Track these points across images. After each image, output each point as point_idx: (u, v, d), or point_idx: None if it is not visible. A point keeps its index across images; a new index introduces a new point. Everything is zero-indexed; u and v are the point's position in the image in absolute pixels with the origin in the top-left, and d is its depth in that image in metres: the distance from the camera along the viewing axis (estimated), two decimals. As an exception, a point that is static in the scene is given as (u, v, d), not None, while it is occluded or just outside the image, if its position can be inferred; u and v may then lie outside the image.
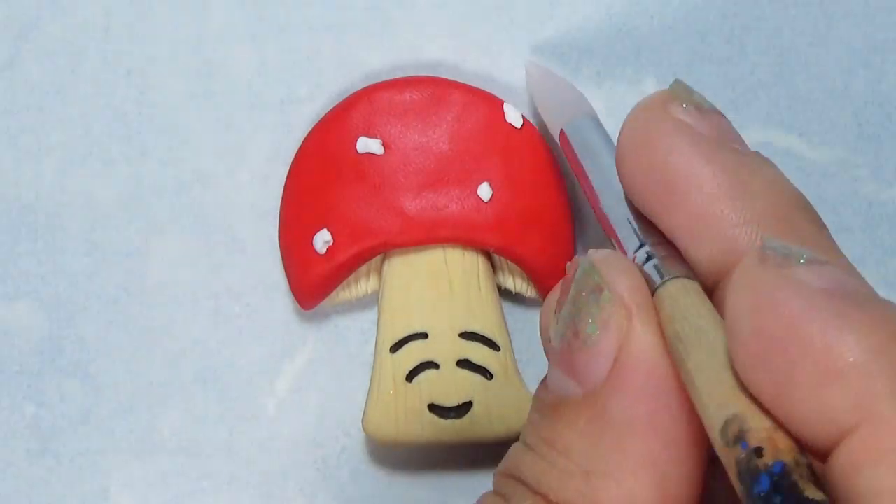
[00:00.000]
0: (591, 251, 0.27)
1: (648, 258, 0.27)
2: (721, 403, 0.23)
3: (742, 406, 0.23)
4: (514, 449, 0.27)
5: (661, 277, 0.26)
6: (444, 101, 0.37)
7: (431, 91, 0.37)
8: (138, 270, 0.38)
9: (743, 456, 0.22)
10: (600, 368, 0.26)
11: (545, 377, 0.27)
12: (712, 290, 0.27)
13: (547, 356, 0.27)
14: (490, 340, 0.36)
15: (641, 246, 0.28)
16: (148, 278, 0.38)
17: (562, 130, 0.34)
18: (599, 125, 0.33)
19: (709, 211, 0.26)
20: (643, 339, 0.25)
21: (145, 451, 0.38)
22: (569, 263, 0.27)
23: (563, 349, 0.26)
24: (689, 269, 0.27)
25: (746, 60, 0.38)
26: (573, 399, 0.26)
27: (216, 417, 0.38)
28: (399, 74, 0.37)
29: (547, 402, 0.27)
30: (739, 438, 0.22)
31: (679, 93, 0.28)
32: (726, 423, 0.23)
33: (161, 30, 0.39)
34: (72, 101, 0.38)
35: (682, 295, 0.26)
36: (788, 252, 0.23)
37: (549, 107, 0.36)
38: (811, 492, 0.21)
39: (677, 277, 0.26)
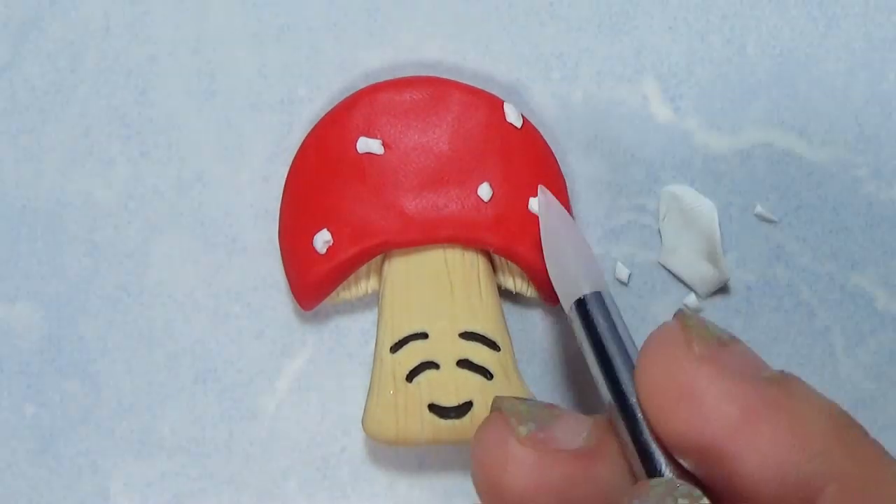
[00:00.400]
0: (679, 482, 0.27)
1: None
2: None
3: None
4: None
5: None
6: (444, 101, 0.37)
7: (431, 91, 0.37)
8: (138, 270, 0.38)
9: None
10: None
11: None
12: None
13: None
14: (490, 340, 0.36)
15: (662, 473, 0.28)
16: (148, 278, 0.38)
17: (572, 306, 0.32)
18: (611, 303, 0.32)
19: (775, 457, 0.26)
20: None
21: (145, 451, 0.38)
22: (651, 482, 0.27)
23: None
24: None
25: (746, 60, 0.38)
26: None
27: (216, 417, 0.38)
28: (399, 74, 0.37)
29: None
30: None
31: (695, 327, 0.28)
32: None
33: (161, 30, 0.38)
34: (72, 101, 0.38)
35: None
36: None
37: (560, 272, 0.34)
38: None
39: None
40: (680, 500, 0.26)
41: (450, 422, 0.35)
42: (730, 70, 0.38)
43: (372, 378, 0.36)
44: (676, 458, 0.28)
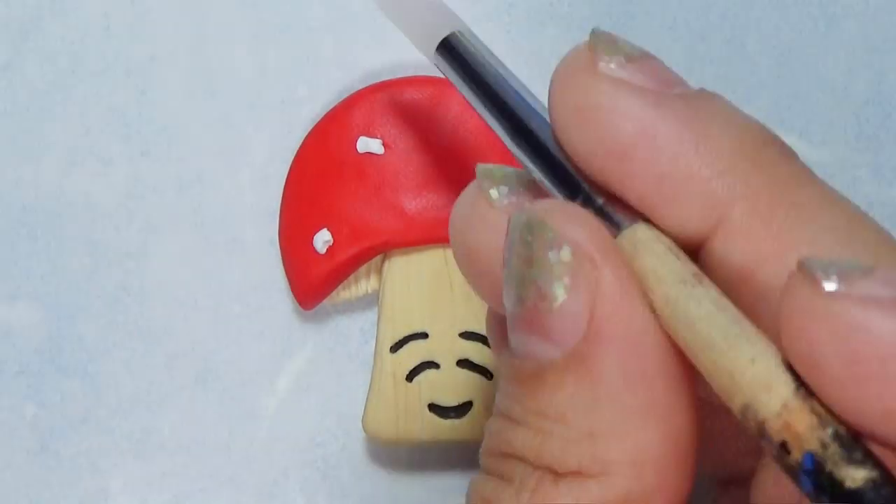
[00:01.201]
0: (527, 204, 0.25)
1: (595, 206, 0.25)
2: (730, 386, 0.22)
3: (749, 392, 0.22)
4: (498, 426, 0.25)
5: (618, 225, 0.25)
6: (444, 101, 0.37)
7: (431, 91, 0.37)
8: (138, 270, 0.38)
9: (775, 454, 0.21)
10: (577, 327, 0.24)
11: (506, 346, 0.25)
12: (696, 251, 0.25)
13: (509, 322, 0.25)
14: (490, 340, 0.36)
15: (582, 194, 0.25)
16: (148, 278, 0.38)
17: (437, 52, 0.30)
18: (476, 38, 0.30)
19: (676, 171, 0.24)
20: (617, 289, 0.24)
21: (145, 451, 0.38)
22: (509, 218, 0.25)
23: (529, 313, 0.24)
24: (641, 215, 0.25)
25: (746, 60, 0.38)
26: (552, 363, 0.24)
27: (216, 417, 0.38)
28: (399, 74, 0.37)
29: (522, 371, 0.25)
30: (761, 433, 0.22)
31: (603, 45, 0.26)
32: (743, 411, 0.22)
33: (161, 30, 0.39)
34: (72, 101, 0.38)
35: (653, 242, 0.24)
36: (843, 268, 0.22)
37: (412, 24, 0.31)
38: (851, 478, 0.21)
39: (639, 223, 0.24)
40: (532, 243, 0.24)
41: (450, 422, 0.35)
42: (730, 70, 0.38)
43: (372, 378, 0.36)
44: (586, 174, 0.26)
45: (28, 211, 0.38)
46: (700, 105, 0.25)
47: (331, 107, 0.37)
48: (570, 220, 0.24)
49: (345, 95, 0.37)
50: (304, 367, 0.38)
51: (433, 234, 0.36)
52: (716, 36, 0.38)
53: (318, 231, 0.36)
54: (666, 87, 0.25)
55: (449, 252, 0.36)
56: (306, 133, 0.37)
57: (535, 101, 0.27)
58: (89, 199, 0.38)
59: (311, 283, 0.36)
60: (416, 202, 0.36)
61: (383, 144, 0.36)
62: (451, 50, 0.29)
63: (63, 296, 0.38)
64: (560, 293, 0.24)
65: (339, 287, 0.37)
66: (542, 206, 0.25)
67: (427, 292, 0.36)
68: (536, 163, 0.26)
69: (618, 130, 0.25)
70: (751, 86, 0.38)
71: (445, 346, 0.36)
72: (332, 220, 0.36)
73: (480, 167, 0.27)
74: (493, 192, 0.27)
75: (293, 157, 0.37)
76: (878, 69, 0.38)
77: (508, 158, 0.37)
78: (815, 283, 0.22)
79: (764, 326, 0.23)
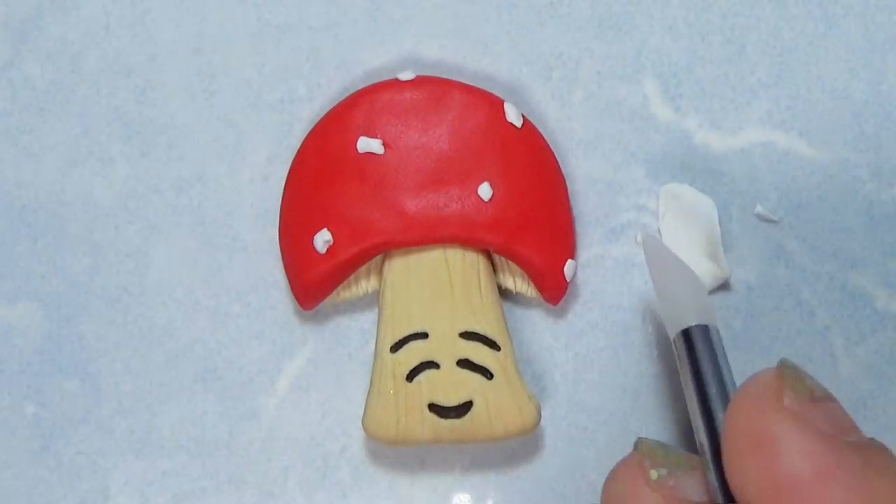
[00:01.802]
0: None
1: None
2: None
3: None
4: None
5: None
6: (444, 101, 0.37)
7: (431, 91, 0.37)
8: (138, 270, 0.38)
9: None
10: None
11: None
12: None
13: None
14: (490, 340, 0.36)
15: None
16: (148, 278, 0.38)
17: (678, 335, 0.32)
18: (717, 339, 0.32)
19: None
20: None
21: (145, 451, 0.38)
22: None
23: None
24: None
25: (746, 60, 0.38)
26: None
27: (216, 417, 0.38)
28: (399, 74, 0.37)
29: None
30: None
31: (791, 379, 0.28)
32: None
33: (161, 30, 0.39)
34: (72, 101, 0.38)
35: None
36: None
37: (668, 300, 0.34)
38: None
39: None
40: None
41: (450, 422, 0.35)
42: (730, 70, 0.38)
43: (372, 378, 0.36)
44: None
45: (28, 211, 0.38)
46: (871, 459, 0.27)
47: (331, 107, 0.37)
48: None
49: (345, 95, 0.37)
50: (304, 367, 0.38)
51: (433, 234, 0.36)
52: (716, 36, 0.38)
53: (318, 231, 0.36)
54: (843, 434, 0.27)
55: (449, 252, 0.36)
56: (306, 133, 0.37)
57: None
58: (89, 199, 0.38)
59: (311, 283, 0.36)
60: (416, 202, 0.36)
61: (383, 144, 0.36)
62: (688, 339, 0.32)
63: (63, 296, 0.38)
64: None
65: (339, 287, 0.37)
66: None
67: (427, 292, 0.36)
68: (715, 473, 0.29)
69: (794, 467, 0.26)
70: (751, 86, 0.38)
71: (445, 346, 0.36)
72: (332, 220, 0.36)
73: (643, 444, 0.29)
74: (654, 473, 0.29)
75: (293, 157, 0.37)
76: (878, 69, 0.38)
77: (508, 161, 0.37)
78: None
79: None
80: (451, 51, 0.38)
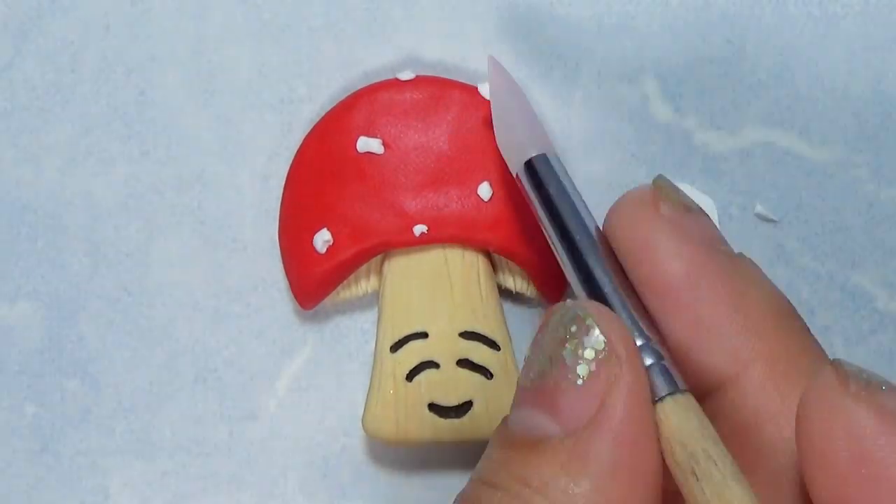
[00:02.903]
0: (574, 302, 0.27)
1: (652, 355, 0.27)
2: None
3: None
4: (475, 489, 0.27)
5: (667, 385, 0.27)
6: (444, 101, 0.37)
7: (431, 91, 0.37)
8: (138, 270, 0.38)
9: None
10: (586, 410, 0.26)
11: (507, 417, 0.27)
12: (704, 397, 0.28)
13: (517, 397, 0.27)
14: (490, 340, 0.36)
15: (644, 339, 0.28)
16: (148, 278, 0.38)
17: (517, 174, 0.33)
18: (559, 165, 0.33)
19: (709, 319, 0.28)
20: (630, 388, 0.26)
21: (145, 451, 0.38)
22: (553, 306, 0.27)
23: (545, 388, 0.26)
24: (682, 380, 0.27)
25: (746, 60, 0.38)
26: (551, 438, 0.26)
27: (216, 417, 0.38)
28: (399, 74, 0.37)
29: (517, 440, 0.27)
30: None
31: (666, 191, 0.29)
32: None
33: (161, 30, 0.39)
34: (72, 101, 0.38)
35: (690, 411, 0.27)
36: (869, 378, 0.25)
37: (507, 137, 0.34)
38: None
39: (682, 392, 0.27)
40: (571, 327, 0.27)
41: (450, 421, 0.35)
42: (730, 70, 0.38)
43: (372, 378, 0.36)
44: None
45: (28, 211, 0.38)
46: (740, 266, 0.29)
47: (331, 107, 0.37)
48: (610, 321, 0.27)
49: (345, 95, 0.37)
50: (304, 367, 0.38)
51: (433, 234, 0.36)
52: (716, 36, 0.38)
53: (318, 231, 0.36)
54: (714, 243, 0.29)
55: (449, 252, 0.36)
56: (306, 133, 0.37)
57: (598, 233, 0.30)
58: (89, 199, 0.38)
59: (311, 283, 0.36)
60: (416, 202, 0.36)
61: (383, 144, 0.36)
62: (532, 170, 0.32)
63: (63, 296, 0.38)
64: (584, 374, 0.26)
65: (339, 287, 0.37)
66: (589, 303, 0.27)
67: (427, 292, 0.36)
68: (587, 287, 0.29)
69: (669, 268, 0.28)
70: (751, 86, 0.38)
71: (445, 346, 0.36)
72: (332, 220, 0.36)
73: (661, 180, 0.30)
74: (665, 207, 0.29)
75: (293, 157, 0.37)
76: (878, 69, 0.38)
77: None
78: (844, 383, 0.25)
79: (763, 478, 0.26)
80: (451, 51, 0.38)
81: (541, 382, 0.26)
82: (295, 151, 0.37)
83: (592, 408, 0.26)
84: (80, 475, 0.37)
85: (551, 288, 0.37)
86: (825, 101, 0.38)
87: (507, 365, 0.36)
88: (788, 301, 0.29)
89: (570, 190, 0.32)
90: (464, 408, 0.35)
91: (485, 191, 0.36)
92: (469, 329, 0.36)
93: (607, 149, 0.38)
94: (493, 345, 0.36)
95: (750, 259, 0.29)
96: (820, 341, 0.37)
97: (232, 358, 0.38)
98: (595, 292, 0.29)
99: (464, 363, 0.36)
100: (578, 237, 0.30)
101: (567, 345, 0.26)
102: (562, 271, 0.36)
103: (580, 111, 0.38)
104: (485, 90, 0.36)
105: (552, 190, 0.32)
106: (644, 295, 0.28)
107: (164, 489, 0.37)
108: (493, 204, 0.36)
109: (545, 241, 0.36)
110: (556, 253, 0.31)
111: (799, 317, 0.29)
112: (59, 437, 0.38)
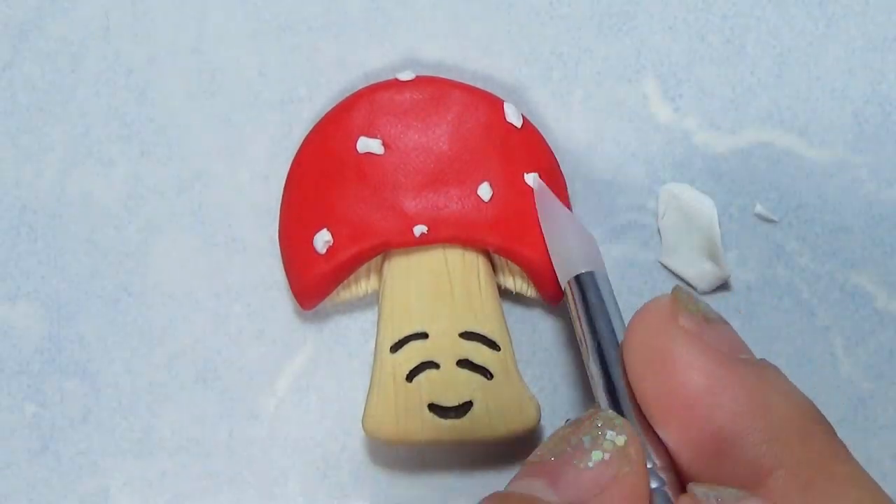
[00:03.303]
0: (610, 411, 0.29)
1: (656, 480, 0.29)
2: None
3: None
4: None
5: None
6: (444, 101, 0.37)
7: (431, 91, 0.37)
8: (138, 270, 0.38)
9: None
10: (587, 490, 0.27)
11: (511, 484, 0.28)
12: None
13: (519, 472, 0.28)
14: (490, 340, 0.36)
15: (651, 463, 0.29)
16: (148, 278, 0.38)
17: (569, 283, 0.34)
18: (606, 283, 0.34)
19: (731, 430, 0.28)
20: (635, 489, 0.27)
21: (145, 451, 0.38)
22: (590, 412, 0.29)
23: (554, 464, 0.28)
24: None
25: (746, 60, 0.38)
26: (547, 500, 0.28)
27: (216, 417, 0.38)
28: (399, 74, 0.37)
29: (513, 498, 0.28)
30: None
31: (685, 302, 0.29)
32: None
33: (161, 30, 0.39)
34: (72, 101, 0.38)
35: None
36: (720, 495, 0.26)
37: (560, 249, 0.35)
38: None
39: None
40: (598, 422, 0.28)
41: (450, 422, 0.35)
42: (730, 70, 0.38)
43: (372, 378, 0.36)
44: (648, 420, 0.29)
45: (28, 211, 0.38)
46: (762, 374, 0.29)
47: (331, 107, 0.37)
48: (632, 431, 0.28)
49: (345, 95, 0.37)
50: (304, 367, 0.38)
51: (433, 234, 0.36)
52: (716, 36, 0.38)
53: (318, 231, 0.36)
54: (735, 353, 0.29)
55: (449, 252, 0.36)
56: (306, 133, 0.37)
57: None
58: (89, 199, 0.38)
59: (311, 283, 0.36)
60: (416, 202, 0.36)
61: (383, 144, 0.36)
62: (580, 284, 0.34)
63: (63, 296, 0.38)
64: (597, 459, 0.28)
65: (339, 287, 0.37)
66: (615, 415, 0.29)
67: (427, 292, 0.36)
68: (611, 400, 0.31)
69: (689, 380, 0.28)
70: (751, 86, 0.38)
71: (445, 346, 0.36)
72: (332, 220, 0.36)
73: (679, 291, 0.30)
74: (684, 319, 0.30)
75: (293, 157, 0.37)
76: (878, 69, 0.38)
77: (508, 161, 0.37)
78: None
79: None
80: (451, 51, 0.38)
81: (551, 460, 0.28)
82: (295, 151, 0.37)
83: (594, 490, 0.27)
84: (81, 475, 0.38)
85: (551, 288, 0.37)
86: (825, 101, 0.38)
87: (507, 365, 0.36)
88: (812, 404, 0.29)
89: (611, 310, 0.33)
90: (464, 408, 0.35)
91: (485, 191, 0.36)
92: (469, 329, 0.36)
93: (607, 149, 0.38)
94: (493, 345, 0.36)
95: (772, 365, 0.29)
96: (820, 341, 0.38)
97: (232, 358, 0.38)
98: (617, 409, 0.30)
99: (464, 363, 0.36)
100: (609, 356, 0.31)
101: (590, 433, 0.28)
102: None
103: (580, 111, 0.38)
104: (510, 108, 0.37)
105: (595, 306, 0.33)
106: (666, 407, 0.29)
107: (164, 489, 0.37)
108: (493, 204, 0.36)
109: (545, 242, 0.36)
110: (586, 363, 0.32)
111: (824, 419, 0.29)
112: (59, 437, 0.38)
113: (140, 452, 0.38)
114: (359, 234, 0.36)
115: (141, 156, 0.38)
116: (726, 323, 0.30)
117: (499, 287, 0.37)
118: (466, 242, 0.36)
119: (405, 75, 0.37)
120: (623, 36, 0.38)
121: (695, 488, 0.27)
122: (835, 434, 0.28)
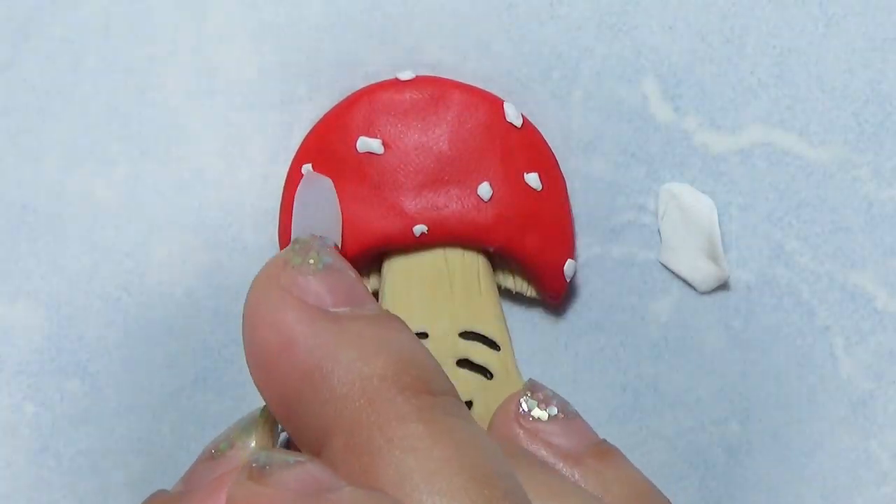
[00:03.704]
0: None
1: None
2: None
3: None
4: None
5: None
6: (444, 101, 0.37)
7: (431, 91, 0.37)
8: (138, 270, 0.38)
9: None
10: (203, 478, 0.29)
11: None
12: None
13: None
14: (490, 340, 0.36)
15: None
16: (148, 278, 0.38)
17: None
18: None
19: (298, 390, 0.27)
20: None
21: (145, 451, 0.38)
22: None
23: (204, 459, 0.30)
24: None
25: (746, 60, 0.38)
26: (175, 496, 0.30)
27: (216, 417, 0.38)
28: (399, 74, 0.37)
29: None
30: None
31: (297, 254, 0.29)
32: None
33: (161, 30, 0.39)
34: (72, 101, 0.38)
35: None
36: (270, 460, 0.26)
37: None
38: None
39: None
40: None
41: (450, 421, 0.35)
42: (730, 70, 0.38)
43: (372, 378, 0.36)
44: None
45: (28, 211, 0.38)
46: (347, 328, 0.28)
47: (331, 107, 0.37)
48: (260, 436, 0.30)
49: (345, 95, 0.37)
50: (304, 367, 0.38)
51: (433, 234, 0.36)
52: (716, 36, 0.38)
53: (318, 231, 0.36)
54: (324, 305, 0.28)
55: (449, 252, 0.36)
56: (306, 133, 0.37)
57: None
58: (89, 199, 0.38)
59: (311, 283, 0.36)
60: (416, 202, 0.36)
61: (383, 144, 0.36)
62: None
63: (63, 296, 0.38)
64: (224, 450, 0.30)
65: (339, 287, 0.37)
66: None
67: (427, 292, 0.36)
68: None
69: (264, 337, 0.28)
70: (751, 86, 0.38)
71: (445, 346, 0.36)
72: (332, 220, 0.36)
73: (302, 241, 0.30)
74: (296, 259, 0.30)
75: (293, 157, 0.37)
76: (878, 69, 0.38)
77: (508, 161, 0.37)
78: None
79: None
80: (451, 51, 0.38)
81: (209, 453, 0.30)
82: (295, 151, 0.37)
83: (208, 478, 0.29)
84: (80, 475, 0.37)
85: (551, 288, 0.37)
86: (825, 101, 0.38)
87: (507, 365, 0.36)
88: (391, 353, 0.28)
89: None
90: (464, 408, 0.35)
91: (485, 191, 0.36)
92: (469, 329, 0.36)
93: (607, 149, 0.38)
94: (492, 345, 0.36)
95: (382, 317, 0.29)
96: (820, 341, 0.38)
97: (232, 358, 0.38)
98: None
99: (464, 363, 0.36)
100: None
101: (237, 425, 0.30)
102: (562, 271, 0.37)
103: (580, 111, 0.38)
104: (510, 108, 0.37)
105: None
106: (251, 365, 0.29)
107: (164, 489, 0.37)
108: (493, 204, 0.36)
109: (546, 240, 0.36)
110: None
111: (394, 376, 0.27)
112: (59, 437, 0.38)
113: (140, 452, 0.38)
114: (359, 234, 0.36)
115: (141, 156, 0.38)
116: (341, 271, 0.29)
117: (499, 287, 0.37)
118: (466, 242, 0.36)
119: (405, 75, 0.37)
120: (623, 36, 0.38)
121: (252, 455, 0.27)
122: (414, 396, 0.27)
